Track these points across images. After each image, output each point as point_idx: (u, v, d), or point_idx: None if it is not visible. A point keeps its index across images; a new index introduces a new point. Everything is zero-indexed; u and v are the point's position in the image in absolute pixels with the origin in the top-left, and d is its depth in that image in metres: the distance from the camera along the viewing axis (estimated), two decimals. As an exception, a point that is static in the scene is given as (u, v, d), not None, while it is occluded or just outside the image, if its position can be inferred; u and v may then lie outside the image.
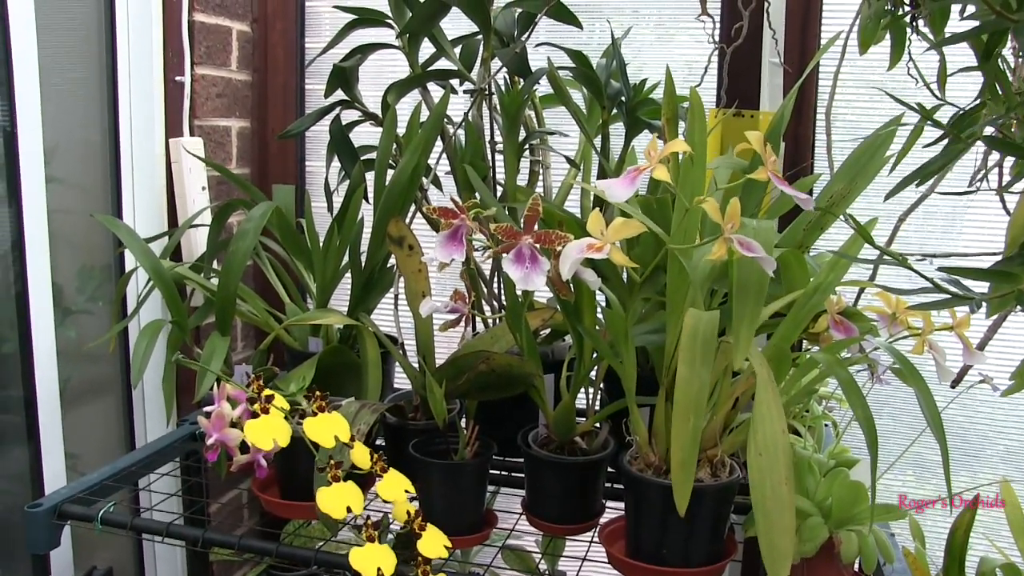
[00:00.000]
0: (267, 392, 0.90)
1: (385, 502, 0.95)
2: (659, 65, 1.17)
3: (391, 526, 1.46)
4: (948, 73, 1.01)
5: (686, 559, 1.02)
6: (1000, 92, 0.84)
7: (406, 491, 0.94)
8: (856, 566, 1.08)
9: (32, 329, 1.40)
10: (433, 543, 0.94)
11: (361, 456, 0.92)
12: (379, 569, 0.87)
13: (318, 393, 0.92)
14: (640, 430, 1.06)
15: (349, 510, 0.88)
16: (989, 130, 0.86)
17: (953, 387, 1.20)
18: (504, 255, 0.93)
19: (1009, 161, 1.04)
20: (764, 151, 0.87)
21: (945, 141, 0.93)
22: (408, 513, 0.94)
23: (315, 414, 0.91)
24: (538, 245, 0.94)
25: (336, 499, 0.88)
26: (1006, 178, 1.08)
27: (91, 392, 1.61)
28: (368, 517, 0.92)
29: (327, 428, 0.89)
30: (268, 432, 0.88)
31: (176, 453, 1.46)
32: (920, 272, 0.84)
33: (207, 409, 1.02)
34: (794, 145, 1.57)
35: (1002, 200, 1.11)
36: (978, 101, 0.91)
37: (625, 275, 1.10)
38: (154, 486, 1.46)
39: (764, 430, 0.86)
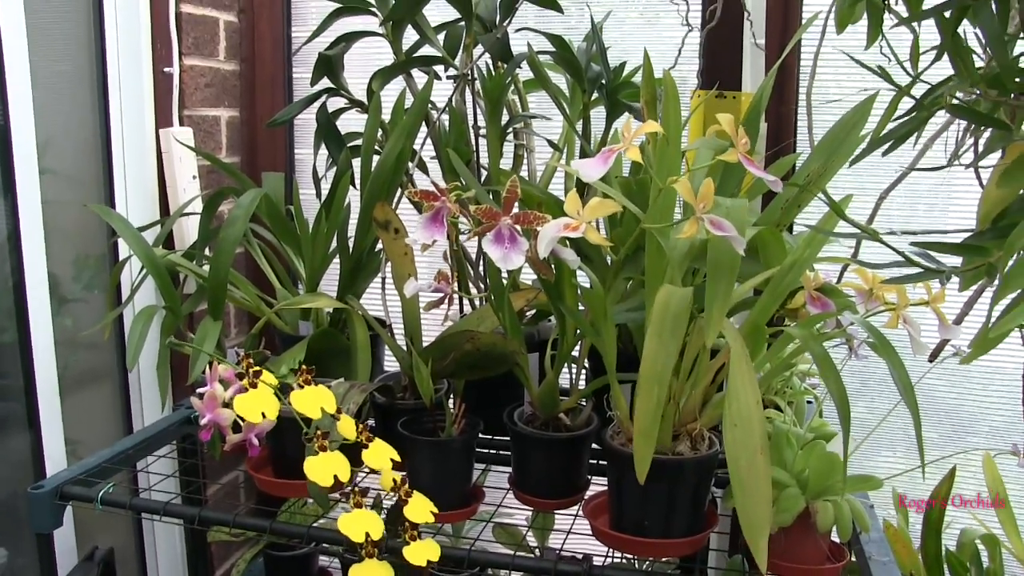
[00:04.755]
0: (255, 368, 0.93)
1: (373, 472, 0.98)
2: (647, 48, 1.19)
3: (383, 502, 1.49)
4: (920, 52, 1.03)
5: (667, 531, 1.05)
6: (964, 68, 0.87)
7: (392, 460, 0.97)
8: (834, 535, 1.10)
9: (30, 318, 1.43)
10: (419, 509, 0.97)
11: (347, 427, 0.96)
12: (367, 533, 0.90)
13: (303, 367, 0.94)
14: (621, 405, 1.08)
15: (337, 479, 0.91)
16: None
17: (931, 361, 1.22)
18: (485, 235, 0.96)
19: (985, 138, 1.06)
20: (735, 133, 0.89)
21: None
22: (394, 480, 0.97)
23: (302, 387, 0.94)
24: (518, 226, 0.96)
25: (323, 467, 0.91)
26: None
27: (89, 379, 1.63)
28: (355, 486, 0.95)
29: (313, 400, 0.92)
30: (257, 406, 0.91)
31: (172, 436, 1.49)
32: (891, 246, 0.87)
33: (200, 390, 1.05)
34: (776, 125, 1.59)
35: (978, 176, 1.13)
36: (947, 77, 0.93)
37: (609, 257, 1.13)
38: (152, 468, 1.49)
39: (739, 402, 0.89)
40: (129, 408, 1.69)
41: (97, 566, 1.38)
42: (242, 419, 0.97)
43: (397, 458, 0.98)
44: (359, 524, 0.92)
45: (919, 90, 0.96)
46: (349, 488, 0.95)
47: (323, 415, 0.94)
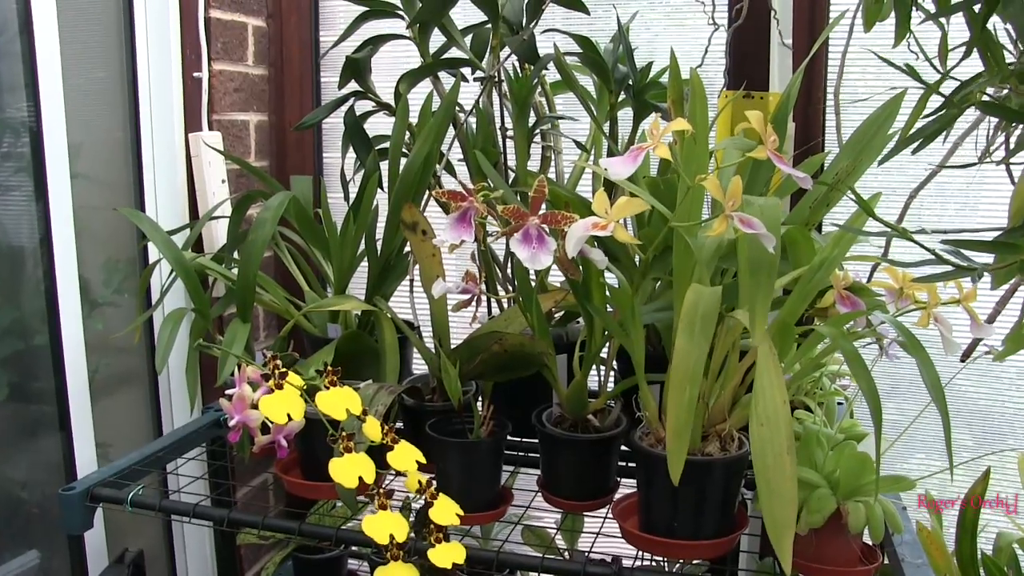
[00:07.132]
0: (281, 369, 0.93)
1: (400, 474, 0.98)
2: (676, 49, 1.18)
3: (412, 505, 1.49)
4: (948, 49, 1.02)
5: (696, 532, 1.04)
6: (994, 63, 0.86)
7: (418, 462, 0.96)
8: (866, 537, 1.09)
9: (61, 322, 1.44)
10: (445, 511, 0.97)
11: (372, 429, 0.96)
12: (392, 535, 0.90)
13: (329, 369, 0.95)
14: (650, 405, 1.08)
15: (363, 481, 0.91)
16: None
17: (963, 360, 1.21)
18: (512, 236, 0.96)
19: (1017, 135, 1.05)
20: (764, 130, 0.89)
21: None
22: (420, 482, 0.97)
23: (328, 389, 0.94)
24: (545, 225, 0.96)
25: (348, 469, 0.91)
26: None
27: (119, 382, 1.65)
28: (382, 488, 0.95)
29: (339, 401, 0.92)
30: (282, 407, 0.91)
31: (202, 439, 1.50)
32: (921, 244, 0.86)
33: (229, 392, 1.05)
34: (805, 124, 1.58)
35: (1009, 173, 1.12)
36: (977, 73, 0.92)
37: (638, 256, 1.12)
38: (181, 471, 1.50)
39: (765, 401, 0.88)
40: (159, 411, 1.70)
41: (127, 568, 1.39)
42: (270, 420, 0.97)
43: (423, 460, 0.98)
44: (384, 526, 0.92)
45: (948, 87, 0.95)
46: (375, 490, 0.96)
47: (349, 416, 0.94)
